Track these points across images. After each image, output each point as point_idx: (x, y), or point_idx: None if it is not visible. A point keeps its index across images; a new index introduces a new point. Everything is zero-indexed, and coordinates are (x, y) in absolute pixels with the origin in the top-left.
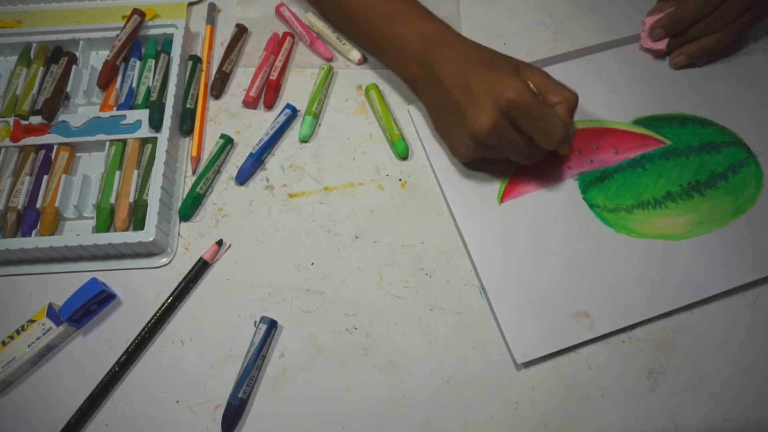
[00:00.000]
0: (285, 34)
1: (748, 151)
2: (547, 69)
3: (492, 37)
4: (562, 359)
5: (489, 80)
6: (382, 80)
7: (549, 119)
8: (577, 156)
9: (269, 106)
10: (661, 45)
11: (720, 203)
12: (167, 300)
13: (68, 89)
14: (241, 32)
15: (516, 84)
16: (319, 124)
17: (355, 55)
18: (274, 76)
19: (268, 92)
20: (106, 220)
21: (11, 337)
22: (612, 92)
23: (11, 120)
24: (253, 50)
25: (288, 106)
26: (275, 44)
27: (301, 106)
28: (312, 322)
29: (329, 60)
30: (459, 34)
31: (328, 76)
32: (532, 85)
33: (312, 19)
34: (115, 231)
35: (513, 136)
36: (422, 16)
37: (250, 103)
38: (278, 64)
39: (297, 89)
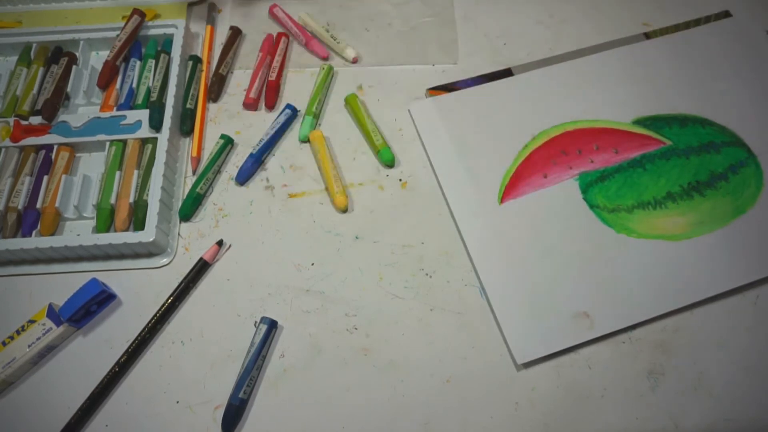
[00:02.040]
0: (279, 35)
1: (749, 151)
2: (547, 69)
3: (492, 37)
4: (562, 359)
5: None
6: (380, 79)
7: None
8: (577, 156)
9: (270, 107)
10: None
11: (720, 203)
12: (167, 300)
13: (68, 89)
14: (235, 34)
15: None
16: (319, 124)
17: (350, 53)
18: (272, 76)
19: (268, 93)
20: (106, 221)
21: (11, 338)
22: (612, 92)
23: (11, 120)
24: (250, 51)
25: (288, 106)
26: (270, 45)
27: (301, 106)
28: (312, 322)
29: (325, 59)
30: None
31: (328, 76)
32: None
33: (306, 18)
34: (116, 231)
35: None
36: None
37: (250, 105)
38: (276, 64)
39: (296, 89)
